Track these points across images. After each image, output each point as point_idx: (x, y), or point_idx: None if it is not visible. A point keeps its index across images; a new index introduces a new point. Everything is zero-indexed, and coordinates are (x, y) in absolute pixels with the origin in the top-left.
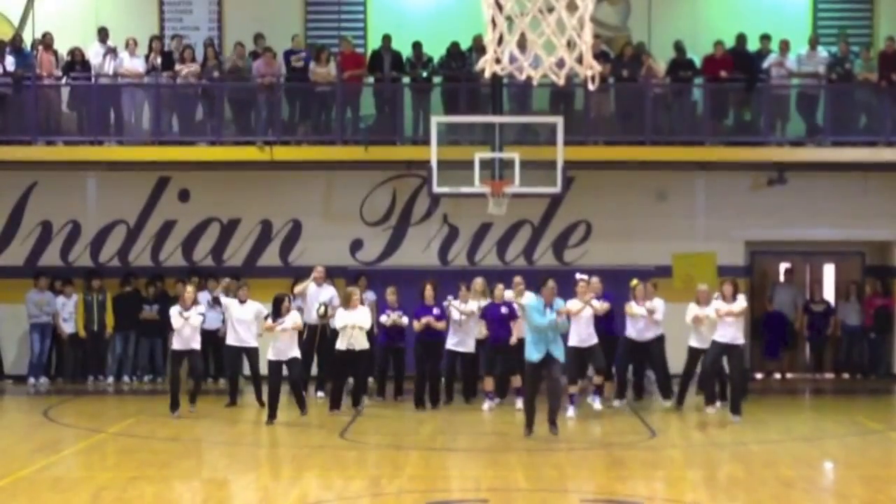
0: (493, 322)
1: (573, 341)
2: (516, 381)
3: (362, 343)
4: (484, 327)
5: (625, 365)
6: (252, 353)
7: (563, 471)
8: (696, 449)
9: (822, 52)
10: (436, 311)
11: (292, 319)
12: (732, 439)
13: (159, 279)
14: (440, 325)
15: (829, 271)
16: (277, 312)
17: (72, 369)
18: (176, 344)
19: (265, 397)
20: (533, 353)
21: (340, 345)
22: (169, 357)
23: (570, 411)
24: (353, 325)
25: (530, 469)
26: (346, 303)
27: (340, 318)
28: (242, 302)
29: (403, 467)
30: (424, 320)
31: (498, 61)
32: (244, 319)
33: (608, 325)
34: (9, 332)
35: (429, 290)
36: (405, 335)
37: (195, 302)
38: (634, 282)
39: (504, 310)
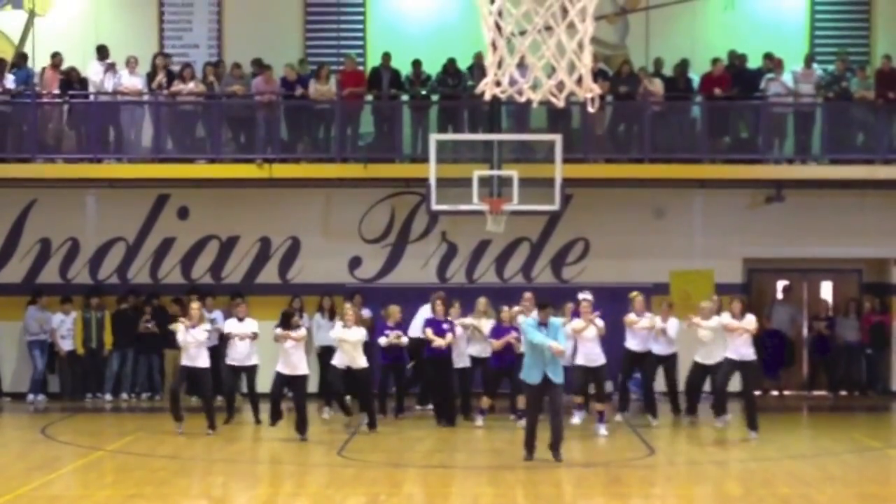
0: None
1: (580, 360)
2: (521, 401)
3: (359, 362)
4: (493, 344)
5: (626, 377)
6: (250, 371)
7: (561, 488)
8: (694, 467)
9: (818, 69)
10: (445, 325)
11: (300, 334)
12: (730, 457)
13: (156, 297)
14: (442, 341)
15: (826, 288)
16: (287, 327)
17: (70, 387)
18: (184, 360)
19: (262, 415)
20: (530, 375)
21: (339, 362)
22: (177, 371)
23: (576, 418)
24: (345, 340)
25: (529, 486)
26: (341, 318)
27: (335, 334)
28: (241, 320)
29: (401, 485)
30: (438, 342)
31: (498, 84)
32: (242, 337)
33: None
34: (7, 350)
35: (439, 306)
36: (405, 354)
37: (202, 319)
38: (634, 293)
39: (514, 333)
